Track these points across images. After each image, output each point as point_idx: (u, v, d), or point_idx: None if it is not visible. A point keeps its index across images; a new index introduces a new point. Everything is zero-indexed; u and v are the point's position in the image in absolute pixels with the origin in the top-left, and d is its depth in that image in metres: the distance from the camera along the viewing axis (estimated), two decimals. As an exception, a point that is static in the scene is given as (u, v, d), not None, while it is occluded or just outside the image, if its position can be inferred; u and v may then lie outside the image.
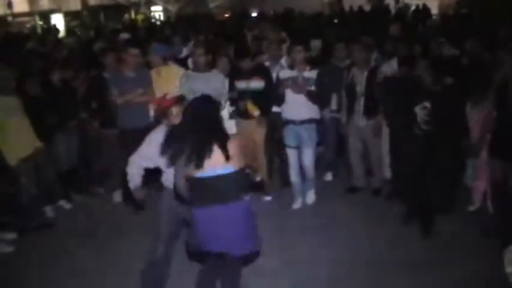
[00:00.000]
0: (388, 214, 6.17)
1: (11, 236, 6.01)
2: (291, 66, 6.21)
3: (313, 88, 6.03)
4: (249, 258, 4.19)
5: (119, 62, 6.53)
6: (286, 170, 6.70)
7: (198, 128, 3.81)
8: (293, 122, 6.19)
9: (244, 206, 3.94)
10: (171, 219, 4.39)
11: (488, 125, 5.42)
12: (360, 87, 6.41)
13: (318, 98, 6.13)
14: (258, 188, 5.13)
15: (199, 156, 3.71)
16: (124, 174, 6.55)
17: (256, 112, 6.05)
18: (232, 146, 3.80)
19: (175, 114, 4.26)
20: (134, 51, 6.32)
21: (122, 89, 6.17)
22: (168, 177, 4.16)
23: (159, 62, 6.41)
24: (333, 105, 6.77)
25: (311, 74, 6.09)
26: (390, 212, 6.22)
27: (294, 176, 6.51)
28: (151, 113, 6.41)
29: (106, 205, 6.83)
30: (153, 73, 6.38)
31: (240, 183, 3.91)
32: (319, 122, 6.36)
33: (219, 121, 3.99)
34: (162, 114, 4.37)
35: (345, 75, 6.58)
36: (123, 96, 6.15)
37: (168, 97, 4.46)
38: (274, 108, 6.46)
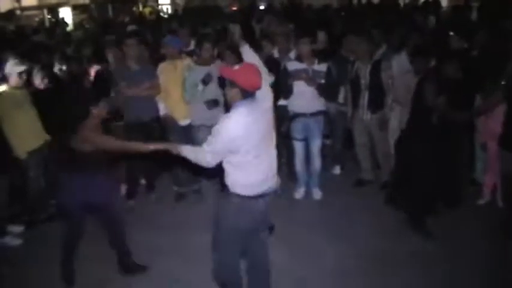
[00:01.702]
0: (396, 207, 6.14)
1: (19, 228, 6.04)
2: (299, 59, 6.15)
3: (322, 81, 6.00)
4: None
5: (124, 56, 6.49)
6: (293, 163, 6.68)
7: None
8: (302, 114, 6.17)
9: None
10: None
11: (493, 105, 5.37)
12: (364, 81, 6.36)
13: (327, 91, 6.09)
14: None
15: None
16: (128, 169, 6.62)
17: None
18: None
19: None
20: (130, 41, 6.29)
21: (127, 81, 6.15)
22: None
23: (174, 55, 6.35)
24: (341, 98, 6.74)
25: (321, 67, 6.05)
26: (398, 205, 6.19)
27: (299, 166, 6.52)
28: (160, 106, 6.42)
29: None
30: (169, 66, 6.31)
31: None
32: (325, 114, 6.34)
33: None
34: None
35: (349, 69, 6.54)
36: (130, 89, 6.13)
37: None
38: (281, 102, 6.42)
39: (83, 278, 4.99)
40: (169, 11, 27.04)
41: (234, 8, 21.76)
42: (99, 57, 7.30)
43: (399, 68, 6.40)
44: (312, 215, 6.20)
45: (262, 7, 20.10)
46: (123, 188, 6.80)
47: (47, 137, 6.11)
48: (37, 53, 7.49)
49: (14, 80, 5.72)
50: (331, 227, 5.82)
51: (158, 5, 29.17)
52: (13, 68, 5.75)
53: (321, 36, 7.38)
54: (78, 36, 12.60)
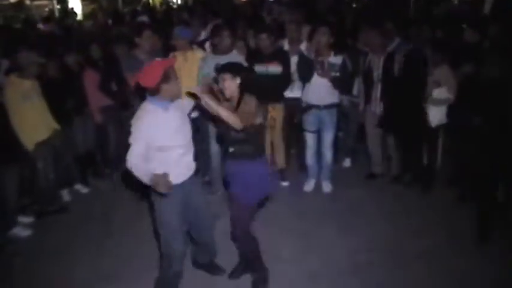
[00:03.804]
0: (408, 201, 6.12)
1: (29, 219, 6.06)
2: (316, 50, 6.06)
3: (337, 74, 5.94)
4: None
5: (133, 47, 6.44)
6: (303, 155, 6.65)
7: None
8: (316, 106, 6.12)
9: None
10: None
11: None
12: (377, 74, 6.30)
13: (342, 84, 6.05)
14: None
15: None
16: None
17: None
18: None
19: (175, 78, 3.99)
20: (147, 33, 6.22)
21: (134, 70, 6.10)
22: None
23: (184, 46, 6.28)
24: (355, 90, 6.67)
25: (336, 59, 5.97)
26: (410, 199, 6.18)
27: (310, 158, 6.49)
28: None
29: (122, 189, 6.81)
30: (179, 57, 6.24)
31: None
32: (339, 106, 6.30)
33: None
34: (163, 78, 3.87)
35: (362, 61, 6.47)
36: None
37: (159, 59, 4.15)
38: (294, 94, 6.38)
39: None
40: (179, 2, 26.97)
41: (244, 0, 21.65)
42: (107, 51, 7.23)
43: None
44: (322, 207, 6.15)
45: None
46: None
47: (57, 127, 6.10)
48: (49, 43, 7.48)
49: (26, 71, 5.71)
50: (341, 220, 5.79)
51: (168, -5, 29.07)
52: (25, 59, 5.73)
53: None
54: (88, 27, 12.56)
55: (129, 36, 7.11)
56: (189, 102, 4.34)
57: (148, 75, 3.85)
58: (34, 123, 5.79)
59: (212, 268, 4.85)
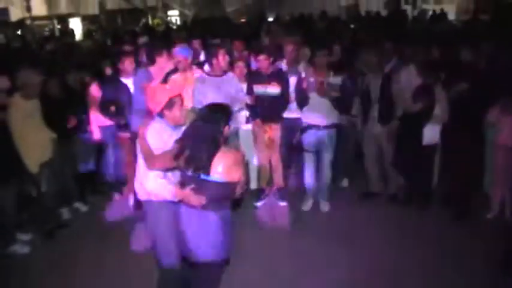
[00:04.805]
0: (405, 220, 6.14)
1: (27, 236, 6.06)
2: (314, 71, 6.14)
3: (337, 94, 6.01)
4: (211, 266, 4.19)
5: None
6: (302, 175, 6.68)
7: (197, 140, 3.92)
8: (316, 127, 6.18)
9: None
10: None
11: None
12: (375, 93, 6.37)
13: (342, 104, 6.12)
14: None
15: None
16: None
17: None
18: (224, 160, 3.91)
19: (179, 106, 4.18)
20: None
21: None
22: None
23: (185, 66, 6.33)
24: (354, 110, 6.72)
25: (336, 79, 6.05)
26: (406, 217, 6.20)
27: (308, 178, 6.52)
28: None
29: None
30: (179, 77, 6.28)
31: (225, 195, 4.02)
32: (338, 126, 6.35)
33: (216, 139, 3.97)
34: (167, 105, 4.11)
35: (360, 81, 6.54)
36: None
37: (168, 87, 4.39)
38: (292, 114, 6.43)
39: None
40: (178, 22, 27.20)
41: (243, 20, 21.86)
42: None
43: (407, 80, 6.40)
44: (320, 226, 6.18)
45: (271, 19, 20.16)
46: (131, 198, 6.80)
47: (54, 136, 6.13)
48: (49, 62, 7.54)
49: (27, 90, 5.76)
50: (340, 240, 5.80)
51: (167, 16, 29.35)
52: (27, 78, 5.79)
53: (336, 49, 7.40)
54: (87, 46, 12.67)
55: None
56: None
57: (155, 97, 4.11)
58: (37, 142, 5.83)
59: None
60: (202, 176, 3.89)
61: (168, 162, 3.98)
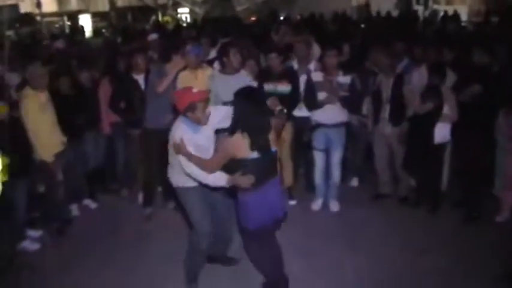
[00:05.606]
0: (415, 222, 6.10)
1: (37, 233, 6.08)
2: (324, 70, 6.13)
3: (346, 94, 5.99)
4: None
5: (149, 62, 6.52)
6: (311, 174, 6.66)
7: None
8: (325, 125, 6.16)
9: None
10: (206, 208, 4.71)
11: None
12: (386, 94, 6.33)
13: (351, 103, 6.09)
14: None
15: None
16: (146, 177, 6.62)
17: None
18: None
19: (201, 109, 4.38)
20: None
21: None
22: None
23: (196, 64, 6.32)
24: (364, 110, 6.70)
25: (345, 79, 6.04)
26: (417, 220, 6.16)
27: (318, 178, 6.50)
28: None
29: (131, 205, 6.84)
30: (190, 75, 6.27)
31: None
32: (348, 125, 6.33)
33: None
34: (188, 108, 4.35)
35: (371, 82, 6.52)
36: (161, 84, 6.15)
37: (194, 91, 4.46)
38: (302, 113, 6.40)
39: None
40: (188, 20, 27.20)
41: (253, 19, 21.82)
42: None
43: (419, 81, 6.37)
44: (329, 226, 6.16)
45: (282, 18, 20.08)
46: (140, 196, 6.81)
47: (65, 140, 6.15)
48: (60, 59, 7.55)
49: (35, 82, 5.77)
50: (349, 240, 5.78)
51: (177, 13, 29.36)
52: (33, 71, 5.81)
53: (345, 48, 7.38)
54: (97, 43, 12.69)
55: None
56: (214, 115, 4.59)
57: (179, 100, 4.46)
58: (50, 134, 5.88)
59: (225, 260, 5.19)
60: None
61: (222, 161, 4.31)
